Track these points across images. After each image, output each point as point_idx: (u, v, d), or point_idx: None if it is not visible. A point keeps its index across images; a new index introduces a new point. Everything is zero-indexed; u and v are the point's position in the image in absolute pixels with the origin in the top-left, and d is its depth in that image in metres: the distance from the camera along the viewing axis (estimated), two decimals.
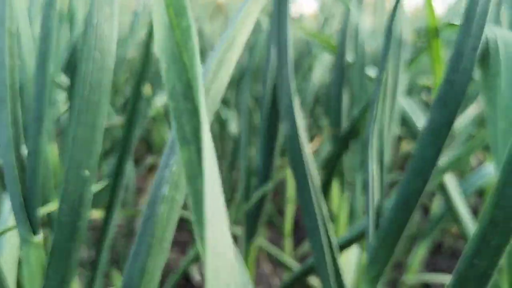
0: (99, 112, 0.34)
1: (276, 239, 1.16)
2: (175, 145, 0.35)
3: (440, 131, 0.36)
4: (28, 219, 0.37)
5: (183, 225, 1.23)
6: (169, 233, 0.34)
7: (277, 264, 1.03)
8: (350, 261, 0.62)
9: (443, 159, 0.61)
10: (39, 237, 0.37)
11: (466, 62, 0.34)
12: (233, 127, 1.11)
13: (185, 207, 0.97)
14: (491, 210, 0.30)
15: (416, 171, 0.37)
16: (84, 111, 0.34)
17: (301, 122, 0.43)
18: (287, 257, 0.88)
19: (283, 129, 0.46)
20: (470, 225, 0.58)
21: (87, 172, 0.35)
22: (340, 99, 0.73)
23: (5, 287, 0.36)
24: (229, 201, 0.94)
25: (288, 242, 0.95)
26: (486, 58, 0.36)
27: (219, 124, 1.28)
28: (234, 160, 0.97)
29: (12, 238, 0.41)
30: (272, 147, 0.66)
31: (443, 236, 1.18)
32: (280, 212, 1.18)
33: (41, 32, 0.35)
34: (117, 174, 0.61)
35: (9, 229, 0.39)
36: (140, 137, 1.33)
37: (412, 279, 0.85)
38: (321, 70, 1.18)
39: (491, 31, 0.36)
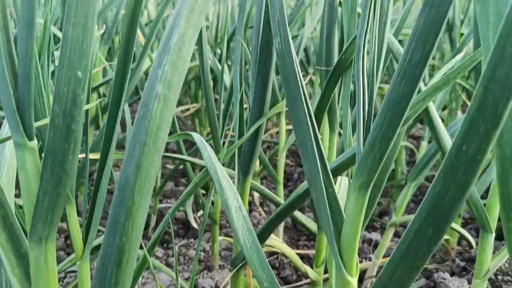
0: (89, 11, 0.34)
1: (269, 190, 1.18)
2: (168, 43, 0.35)
3: (428, 33, 0.37)
4: (22, 125, 0.37)
5: (180, 179, 1.24)
6: (163, 132, 0.35)
7: (268, 212, 1.04)
8: (342, 188, 0.63)
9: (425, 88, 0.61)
10: (33, 143, 0.38)
11: None
12: (226, 80, 1.12)
13: (181, 162, 0.97)
14: (480, 95, 0.31)
15: (405, 75, 0.38)
16: (74, 10, 0.34)
17: (290, 36, 0.43)
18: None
19: (275, 47, 0.46)
20: None
21: (79, 73, 0.35)
22: (331, 38, 0.73)
23: (3, 194, 0.37)
24: (222, 146, 0.95)
25: (280, 188, 0.96)
26: None
27: (212, 79, 1.28)
28: (227, 110, 0.98)
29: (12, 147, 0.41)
30: (264, 83, 0.66)
31: (430, 182, 1.20)
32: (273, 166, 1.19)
33: None
34: (111, 115, 0.61)
35: (6, 139, 0.39)
36: (139, 88, 1.32)
37: (399, 220, 0.86)
38: (310, 23, 1.18)
39: None
